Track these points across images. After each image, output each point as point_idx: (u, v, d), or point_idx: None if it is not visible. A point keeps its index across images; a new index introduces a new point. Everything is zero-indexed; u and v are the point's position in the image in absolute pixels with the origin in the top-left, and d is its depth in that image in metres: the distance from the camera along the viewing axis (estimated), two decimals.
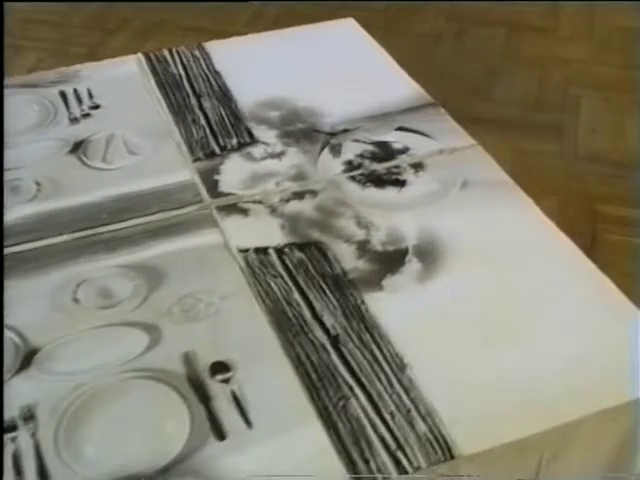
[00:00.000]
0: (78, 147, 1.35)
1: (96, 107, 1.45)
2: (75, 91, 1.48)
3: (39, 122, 1.42)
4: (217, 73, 1.54)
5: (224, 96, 1.48)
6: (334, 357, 1.02)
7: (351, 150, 1.35)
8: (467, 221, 1.22)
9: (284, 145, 1.36)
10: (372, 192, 1.27)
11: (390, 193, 1.27)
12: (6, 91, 1.48)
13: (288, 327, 1.06)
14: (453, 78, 2.43)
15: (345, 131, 1.39)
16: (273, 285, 1.11)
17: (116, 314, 1.07)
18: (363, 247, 1.17)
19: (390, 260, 1.15)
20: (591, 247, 1.81)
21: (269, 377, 0.99)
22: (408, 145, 1.36)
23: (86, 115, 1.43)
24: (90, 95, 1.47)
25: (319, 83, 1.51)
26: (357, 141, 1.37)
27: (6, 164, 1.31)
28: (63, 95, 1.47)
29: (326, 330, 1.05)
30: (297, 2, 2.76)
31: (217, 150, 1.35)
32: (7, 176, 1.29)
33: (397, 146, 1.36)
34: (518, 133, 2.17)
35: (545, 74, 2.50)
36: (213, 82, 1.51)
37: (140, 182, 1.28)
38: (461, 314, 1.08)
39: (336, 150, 1.35)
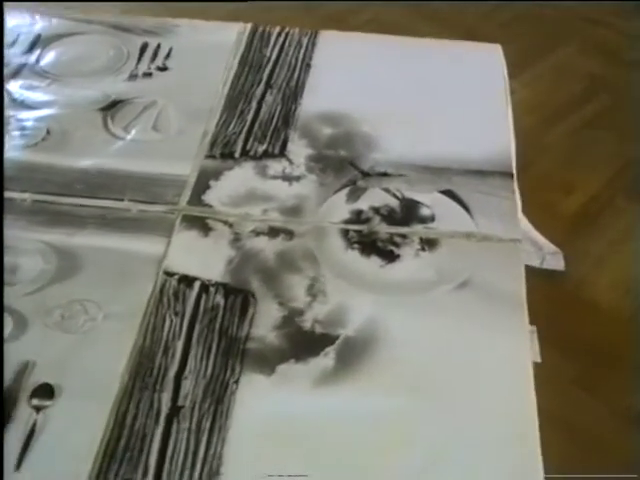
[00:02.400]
0: (113, 106, 1.29)
1: (164, 69, 1.38)
2: (158, 46, 1.42)
3: (102, 69, 1.38)
4: (307, 66, 1.39)
5: (293, 94, 1.33)
6: (158, 432, 0.89)
7: (372, 199, 1.16)
8: (432, 330, 1.00)
9: (307, 170, 1.20)
10: (352, 257, 1.09)
11: (371, 265, 1.08)
12: (100, 28, 1.45)
13: (143, 376, 0.94)
14: None
15: (383, 175, 1.20)
16: (167, 323, 0.99)
17: (6, 294, 1.02)
18: (291, 317, 1.01)
19: (307, 344, 0.98)
20: None
21: (80, 425, 0.90)
22: (437, 215, 1.14)
23: (147, 75, 1.37)
24: (168, 55, 1.40)
25: (406, 109, 1.32)
26: (387, 191, 1.17)
27: (34, 103, 1.29)
28: (144, 47, 1.41)
29: (176, 397, 0.92)
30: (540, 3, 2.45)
31: (237, 153, 1.22)
32: (27, 115, 1.27)
33: (424, 212, 1.15)
34: None
35: None
36: (295, 75, 1.38)
37: (138, 163, 1.20)
38: (330, 443, 0.89)
39: (356, 194, 1.17)
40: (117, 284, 1.04)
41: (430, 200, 1.16)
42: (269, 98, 1.33)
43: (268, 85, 1.35)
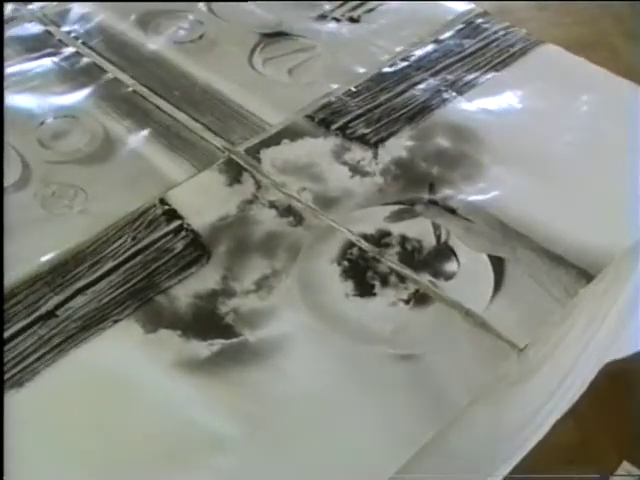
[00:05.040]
0: (273, 36, 1.29)
1: (356, 20, 1.33)
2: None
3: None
4: (494, 70, 1.23)
5: (448, 93, 1.19)
6: (18, 325, 0.91)
7: (410, 228, 1.01)
8: (334, 379, 0.87)
9: (382, 171, 1.08)
10: (329, 271, 0.97)
11: (339, 289, 0.95)
12: None
13: (56, 275, 0.96)
14: None
15: (449, 211, 1.04)
16: (118, 242, 1.00)
17: (41, 155, 1.10)
18: (216, 295, 0.95)
19: (204, 326, 0.92)
20: None
21: None
22: (459, 276, 0.97)
23: (335, 19, 1.33)
24: (372, 9, 1.35)
25: (552, 158, 1.11)
26: (435, 228, 1.02)
27: (218, 10, 1.32)
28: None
29: (60, 306, 0.93)
30: None
31: (335, 125, 1.14)
32: (197, 15, 1.31)
33: (449, 267, 0.98)
34: None
35: None
36: (470, 76, 1.22)
37: (243, 95, 1.19)
38: (137, 426, 0.84)
39: (401, 216, 1.03)
40: (119, 188, 1.06)
41: (469, 259, 0.98)
42: (421, 87, 1.20)
43: (433, 74, 1.22)
